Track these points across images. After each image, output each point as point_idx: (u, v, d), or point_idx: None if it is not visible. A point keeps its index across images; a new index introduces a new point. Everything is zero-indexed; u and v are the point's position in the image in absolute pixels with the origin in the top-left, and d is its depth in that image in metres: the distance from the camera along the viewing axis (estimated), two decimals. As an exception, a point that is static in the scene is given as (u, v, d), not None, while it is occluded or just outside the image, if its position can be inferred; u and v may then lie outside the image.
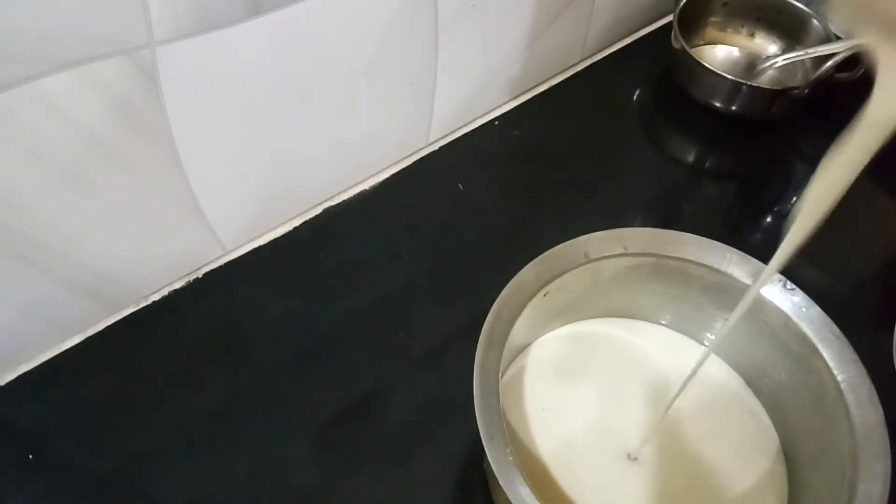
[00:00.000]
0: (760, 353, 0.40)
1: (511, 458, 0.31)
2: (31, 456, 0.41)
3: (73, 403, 0.43)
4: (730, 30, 0.64)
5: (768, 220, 0.55)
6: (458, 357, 0.45)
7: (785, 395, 0.40)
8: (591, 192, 0.55)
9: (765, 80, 0.60)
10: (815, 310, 0.37)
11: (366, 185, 0.55)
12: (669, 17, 0.62)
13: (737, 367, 0.43)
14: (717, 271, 0.39)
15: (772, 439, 0.41)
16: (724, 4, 0.63)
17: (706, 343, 0.44)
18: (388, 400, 0.44)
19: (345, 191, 0.54)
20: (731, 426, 0.41)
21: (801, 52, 0.58)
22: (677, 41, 0.58)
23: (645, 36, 0.67)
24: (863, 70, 0.53)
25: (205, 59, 0.38)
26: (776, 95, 0.56)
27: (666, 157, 0.59)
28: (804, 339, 0.37)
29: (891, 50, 0.23)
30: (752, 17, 0.63)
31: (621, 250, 0.39)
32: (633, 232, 0.39)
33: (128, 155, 0.39)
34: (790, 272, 0.37)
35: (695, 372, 0.37)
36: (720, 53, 0.64)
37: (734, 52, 0.64)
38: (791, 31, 0.62)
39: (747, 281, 0.38)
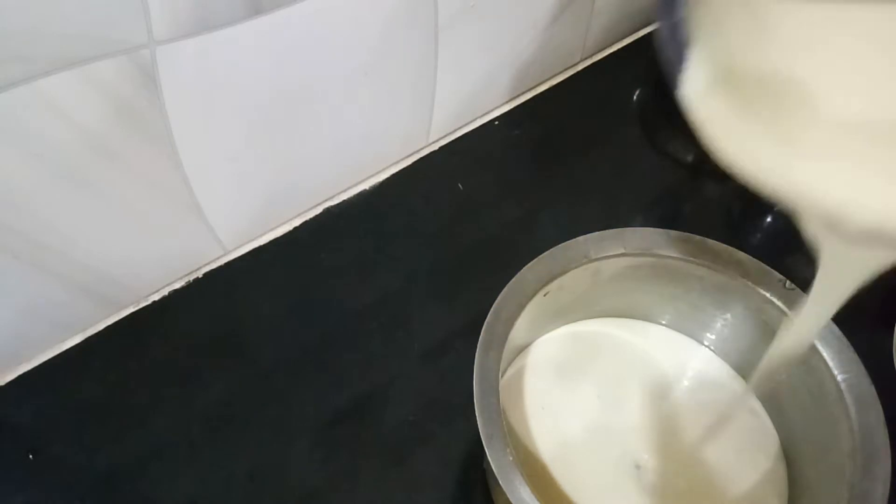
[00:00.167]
0: (761, 354, 0.40)
1: (511, 458, 0.31)
2: (31, 456, 0.41)
3: (73, 403, 0.43)
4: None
5: (768, 220, 0.55)
6: (458, 357, 0.45)
7: (785, 395, 0.40)
8: (592, 192, 0.55)
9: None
10: (816, 310, 0.37)
11: (366, 185, 0.55)
12: (669, 17, 0.62)
13: (737, 367, 0.43)
14: (717, 271, 0.39)
15: (772, 439, 0.41)
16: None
17: (706, 343, 0.44)
18: (388, 400, 0.44)
19: (345, 191, 0.54)
20: (731, 426, 0.41)
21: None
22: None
23: (645, 36, 0.67)
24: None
25: (205, 59, 0.38)
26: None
27: (666, 157, 0.59)
28: (804, 339, 0.37)
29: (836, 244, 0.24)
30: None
31: (621, 250, 0.39)
32: (633, 232, 0.39)
33: (128, 155, 0.39)
34: (790, 272, 0.38)
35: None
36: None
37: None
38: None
39: (747, 281, 0.38)
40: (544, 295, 0.38)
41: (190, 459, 0.41)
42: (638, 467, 0.39)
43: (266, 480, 0.41)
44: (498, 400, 0.33)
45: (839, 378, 0.35)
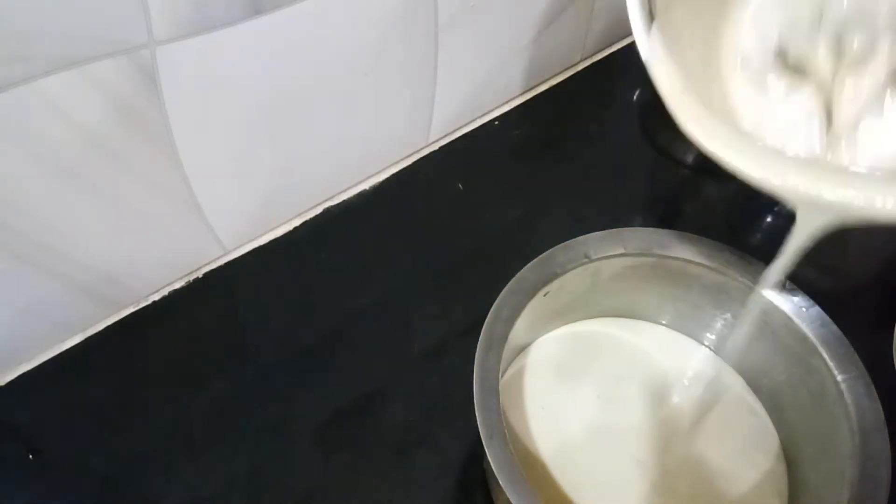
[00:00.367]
0: (760, 353, 0.40)
1: (511, 458, 0.31)
2: (31, 456, 0.41)
3: (73, 403, 0.43)
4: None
5: (768, 220, 0.55)
6: (458, 357, 0.45)
7: (785, 395, 0.40)
8: (591, 192, 0.55)
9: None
10: (815, 310, 0.37)
11: (366, 185, 0.55)
12: (669, 17, 0.62)
13: (737, 367, 0.43)
14: (717, 271, 0.39)
15: (772, 439, 0.41)
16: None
17: (706, 343, 0.44)
18: (388, 400, 0.44)
19: (345, 191, 0.54)
20: (731, 426, 0.41)
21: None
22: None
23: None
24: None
25: (205, 59, 0.38)
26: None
27: (666, 157, 0.59)
28: (804, 339, 0.37)
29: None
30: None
31: (621, 250, 0.39)
32: (633, 232, 0.39)
33: (128, 155, 0.39)
34: (791, 272, 0.37)
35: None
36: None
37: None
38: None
39: (747, 281, 0.38)
40: (544, 295, 0.38)
41: (190, 459, 0.41)
42: (638, 467, 0.39)
43: (266, 480, 0.41)
44: (498, 400, 0.33)
45: (839, 378, 0.35)
